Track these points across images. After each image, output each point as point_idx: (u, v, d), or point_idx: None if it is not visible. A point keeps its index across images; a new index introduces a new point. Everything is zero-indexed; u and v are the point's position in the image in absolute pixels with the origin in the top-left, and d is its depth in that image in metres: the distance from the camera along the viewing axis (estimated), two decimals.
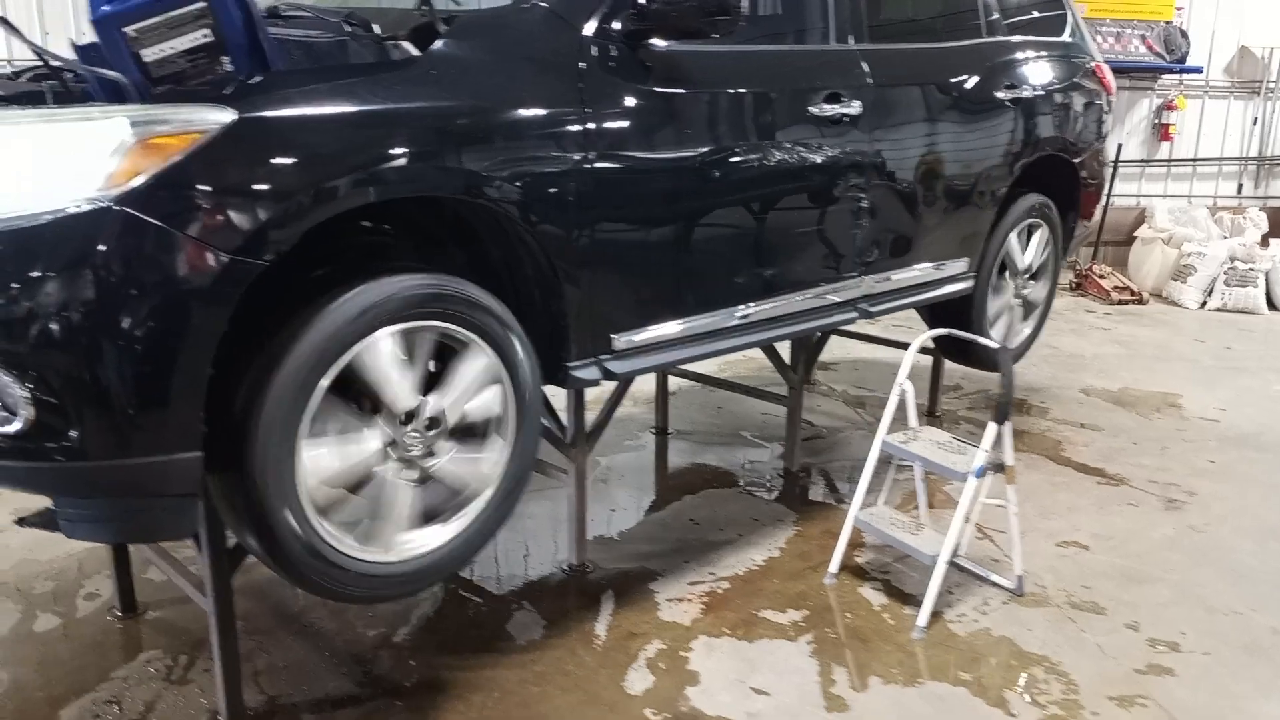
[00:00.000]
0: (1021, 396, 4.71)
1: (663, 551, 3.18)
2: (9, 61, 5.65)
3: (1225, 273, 6.77)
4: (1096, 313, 6.73)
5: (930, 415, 4.41)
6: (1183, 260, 6.95)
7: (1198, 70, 7.48)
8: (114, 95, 1.71)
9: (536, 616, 2.79)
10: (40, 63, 2.10)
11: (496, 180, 2.06)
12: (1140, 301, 6.91)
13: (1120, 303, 6.88)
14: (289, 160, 1.76)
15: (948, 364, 4.42)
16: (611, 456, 3.95)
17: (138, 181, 1.61)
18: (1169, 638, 2.72)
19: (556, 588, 2.97)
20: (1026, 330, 4.17)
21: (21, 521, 1.87)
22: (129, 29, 1.67)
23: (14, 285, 1.58)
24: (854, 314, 3.16)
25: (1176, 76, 7.48)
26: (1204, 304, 6.81)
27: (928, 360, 4.39)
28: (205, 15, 1.71)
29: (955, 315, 3.67)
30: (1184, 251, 6.97)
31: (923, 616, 2.72)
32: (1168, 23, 7.25)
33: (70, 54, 2.01)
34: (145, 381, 1.66)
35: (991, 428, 2.75)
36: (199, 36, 1.72)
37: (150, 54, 1.69)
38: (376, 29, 2.05)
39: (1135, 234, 7.45)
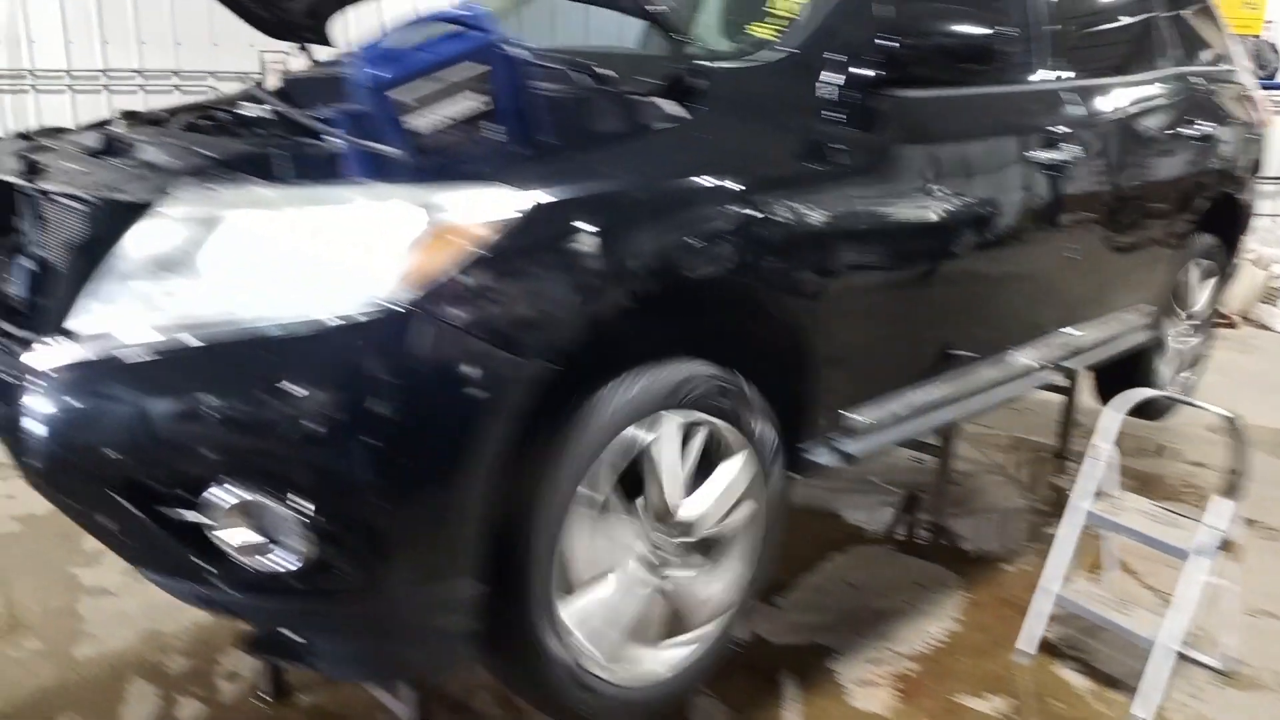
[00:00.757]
0: (1148, 434, 4.49)
1: (829, 623, 2.96)
2: (27, 72, 5.44)
3: None
4: None
5: (1059, 457, 4.19)
6: (1271, 281, 6.74)
7: None
8: (374, 168, 1.48)
9: (718, 703, 2.57)
10: (197, 104, 1.89)
11: (759, 251, 1.84)
12: (1230, 325, 6.68)
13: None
14: (591, 247, 1.53)
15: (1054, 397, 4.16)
16: None
17: (436, 279, 1.39)
18: None
19: (728, 666, 2.75)
20: (1190, 375, 3.96)
21: (253, 649, 1.64)
22: (401, 95, 1.45)
23: (295, 401, 1.35)
24: (1056, 371, 2.95)
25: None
26: None
27: (1049, 396, 4.18)
28: (483, 80, 1.48)
29: (1123, 363, 3.46)
30: (1273, 273, 6.76)
31: (1144, 708, 2.51)
32: (1256, 37, 7.02)
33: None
34: (437, 507, 1.44)
35: (1223, 503, 2.53)
36: (474, 103, 1.50)
37: (422, 123, 1.47)
38: (612, 75, 1.81)
39: None
